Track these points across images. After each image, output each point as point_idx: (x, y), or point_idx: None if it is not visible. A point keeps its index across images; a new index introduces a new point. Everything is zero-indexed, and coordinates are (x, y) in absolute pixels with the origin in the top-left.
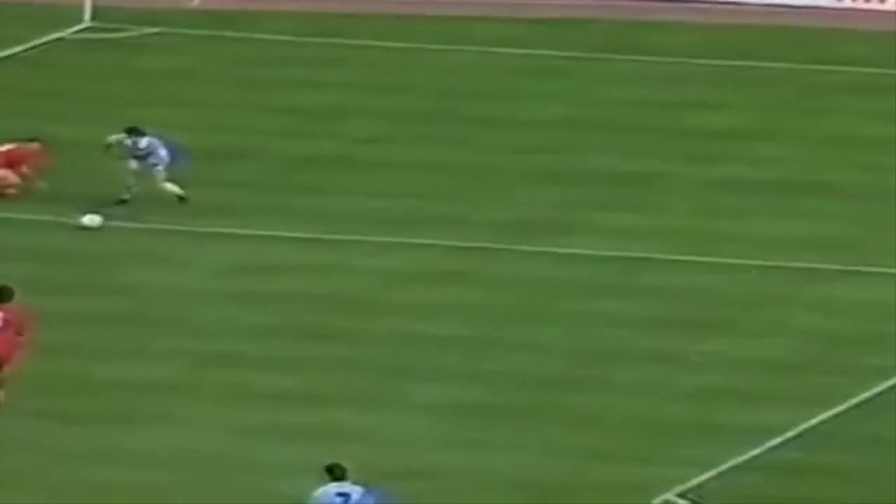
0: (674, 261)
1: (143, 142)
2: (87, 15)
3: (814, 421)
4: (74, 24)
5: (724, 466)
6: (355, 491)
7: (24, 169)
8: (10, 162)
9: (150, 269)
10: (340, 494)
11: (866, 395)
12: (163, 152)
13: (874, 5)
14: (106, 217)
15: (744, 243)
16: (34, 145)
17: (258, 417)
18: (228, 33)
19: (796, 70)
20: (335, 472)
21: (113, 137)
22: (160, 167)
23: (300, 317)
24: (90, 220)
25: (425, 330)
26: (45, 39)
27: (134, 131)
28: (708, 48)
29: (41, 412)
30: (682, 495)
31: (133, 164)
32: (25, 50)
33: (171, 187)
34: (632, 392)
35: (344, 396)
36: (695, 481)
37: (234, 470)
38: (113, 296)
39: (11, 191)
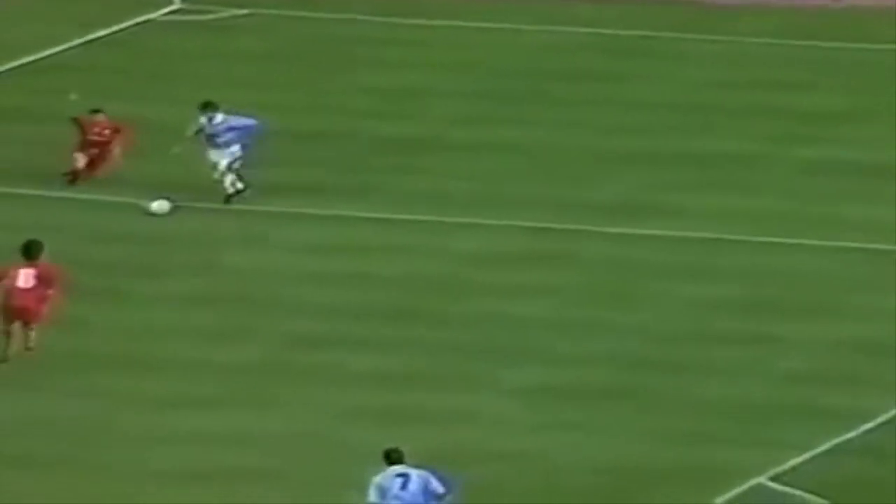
0: (764, 243)
1: (219, 117)
2: None
3: None
4: (164, 7)
5: (817, 450)
6: (414, 472)
7: (116, 149)
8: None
9: (238, 250)
10: (400, 475)
11: None
12: (236, 129)
13: None
14: (193, 198)
15: (835, 225)
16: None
17: (348, 399)
18: (317, 14)
19: (889, 51)
20: (392, 457)
21: (193, 126)
22: (235, 149)
23: (389, 298)
24: (159, 206)
25: (513, 312)
26: (134, 22)
27: (208, 106)
28: (799, 29)
29: (133, 395)
30: (775, 479)
31: (212, 155)
32: (115, 32)
33: (228, 183)
34: (723, 375)
35: (432, 378)
36: (788, 464)
37: (324, 452)
38: (201, 277)
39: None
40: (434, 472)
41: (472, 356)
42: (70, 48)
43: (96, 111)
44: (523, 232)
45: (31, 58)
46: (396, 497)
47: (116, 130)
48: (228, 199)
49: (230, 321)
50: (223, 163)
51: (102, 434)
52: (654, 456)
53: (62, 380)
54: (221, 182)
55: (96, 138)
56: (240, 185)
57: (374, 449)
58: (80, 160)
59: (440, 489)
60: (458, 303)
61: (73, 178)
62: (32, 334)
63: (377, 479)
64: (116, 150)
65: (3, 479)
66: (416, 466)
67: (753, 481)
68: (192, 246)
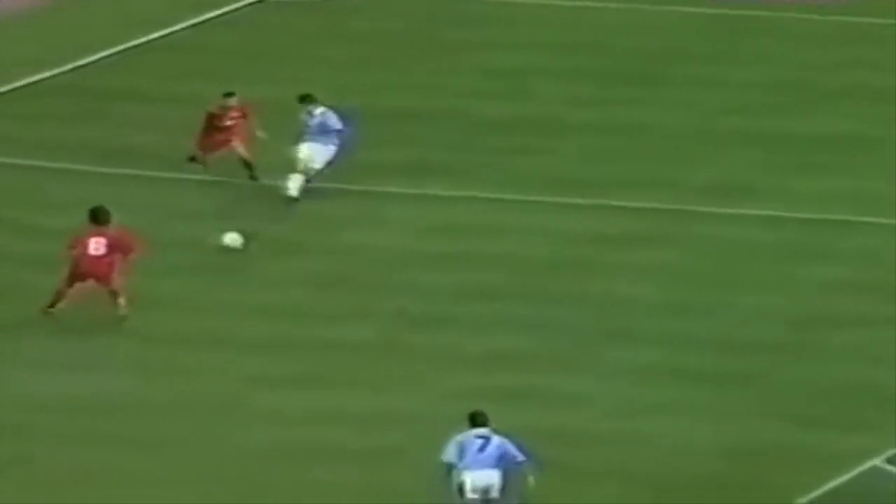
0: (870, 224)
1: (318, 110)
2: None
3: None
4: None
5: None
6: (495, 437)
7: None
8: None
9: (356, 230)
10: (480, 437)
11: None
12: (332, 129)
13: None
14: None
15: None
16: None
17: (460, 380)
18: None
19: None
20: (476, 420)
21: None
22: (333, 146)
23: (499, 279)
24: (231, 239)
25: (622, 292)
26: (247, 1)
27: (307, 99)
28: None
29: (254, 374)
30: (891, 461)
31: (306, 149)
32: (227, 12)
33: (293, 185)
34: (840, 358)
35: (543, 359)
36: None
37: (437, 432)
38: (319, 257)
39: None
40: (515, 441)
41: (584, 337)
42: (183, 29)
43: (229, 94)
44: (631, 213)
45: (143, 39)
46: (473, 458)
47: (244, 114)
48: (291, 200)
49: (347, 301)
50: (319, 160)
51: (227, 412)
52: (767, 438)
53: (182, 357)
54: (307, 178)
55: (231, 123)
56: (294, 193)
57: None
58: (239, 147)
59: (518, 457)
60: (568, 283)
61: (202, 162)
62: (121, 301)
63: (458, 438)
64: (247, 132)
65: (112, 457)
66: (499, 433)
67: (869, 463)
68: (311, 226)
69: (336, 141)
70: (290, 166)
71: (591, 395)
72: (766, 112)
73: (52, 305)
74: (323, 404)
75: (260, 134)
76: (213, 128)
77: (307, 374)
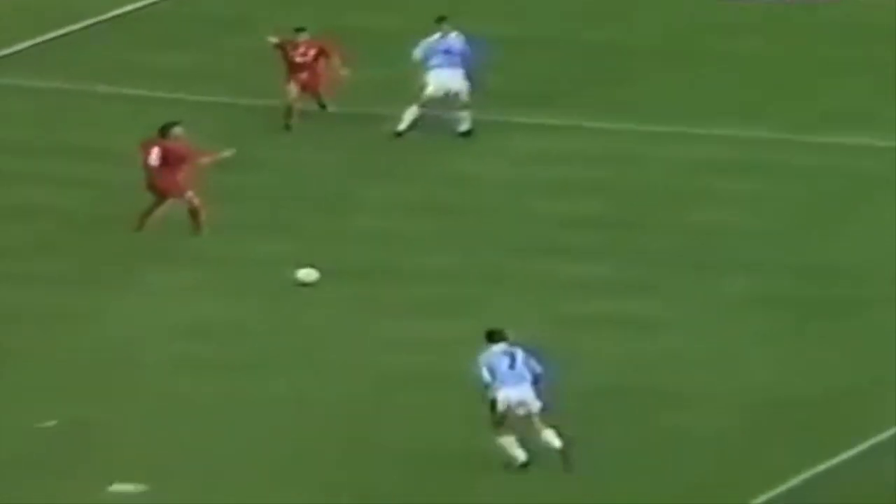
0: None
1: (453, 34)
2: None
3: None
4: None
5: None
6: (519, 351)
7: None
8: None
9: (465, 158)
10: (506, 353)
11: None
12: (463, 47)
13: None
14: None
15: None
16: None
17: (569, 307)
18: None
19: None
20: (494, 336)
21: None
22: (460, 69)
23: (606, 207)
24: (305, 274)
25: (726, 221)
26: None
27: (442, 20)
28: None
29: (354, 298)
30: None
31: (444, 74)
32: None
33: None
34: None
35: (652, 287)
36: None
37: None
38: (428, 184)
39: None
40: (534, 352)
41: (686, 264)
42: None
43: (300, 30)
44: (739, 142)
45: None
46: (505, 375)
47: (321, 51)
48: (399, 134)
49: (453, 229)
50: (466, 87)
51: (347, 338)
52: (867, 373)
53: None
54: (424, 105)
55: (301, 60)
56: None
57: (587, 355)
58: (293, 91)
59: (538, 368)
60: (672, 212)
61: (289, 115)
62: (200, 217)
63: (484, 358)
64: (334, 66)
65: (229, 381)
66: (516, 345)
67: None
68: (420, 153)
69: (464, 65)
70: (407, 94)
71: (689, 321)
72: (874, 41)
73: (143, 221)
74: (422, 330)
75: (343, 72)
76: (293, 67)
77: (402, 302)
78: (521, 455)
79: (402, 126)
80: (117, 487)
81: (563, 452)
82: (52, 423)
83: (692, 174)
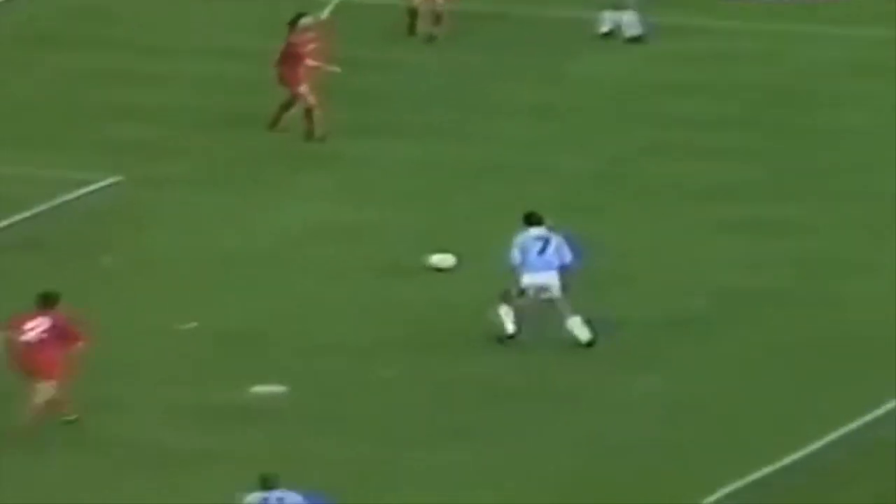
0: None
1: None
2: None
3: None
4: None
5: None
6: (553, 237)
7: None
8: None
9: (582, 59)
10: (540, 238)
11: None
12: None
13: None
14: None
15: None
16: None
17: (696, 213)
18: None
19: None
20: (531, 219)
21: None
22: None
23: (738, 110)
24: (441, 259)
25: (859, 124)
26: None
27: None
28: None
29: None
30: None
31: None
32: None
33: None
34: None
35: (788, 190)
36: None
37: (675, 264)
38: (545, 86)
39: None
40: (570, 239)
41: (810, 167)
42: None
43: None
44: (867, 42)
45: None
46: (534, 260)
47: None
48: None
49: (574, 130)
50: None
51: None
52: None
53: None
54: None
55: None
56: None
57: (723, 262)
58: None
59: (567, 258)
60: (810, 114)
61: (413, 17)
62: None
63: (519, 239)
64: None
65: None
66: (552, 230)
67: None
68: (539, 55)
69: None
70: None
71: (817, 223)
72: None
73: (274, 123)
74: None
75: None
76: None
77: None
78: (510, 328)
79: (604, 28)
80: (259, 388)
81: (588, 344)
82: (192, 324)
83: (824, 75)
